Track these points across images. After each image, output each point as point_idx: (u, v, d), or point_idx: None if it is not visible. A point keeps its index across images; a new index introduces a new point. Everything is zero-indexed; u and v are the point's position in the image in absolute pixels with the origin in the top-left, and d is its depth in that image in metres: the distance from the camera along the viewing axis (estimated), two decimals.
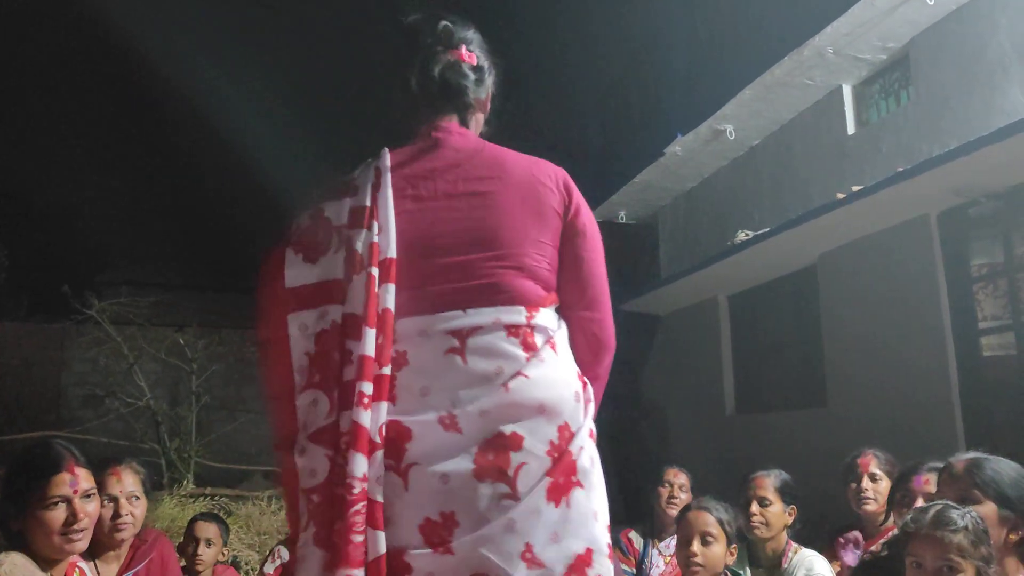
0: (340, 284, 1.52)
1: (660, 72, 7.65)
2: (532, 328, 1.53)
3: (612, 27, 8.43)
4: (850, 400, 5.31)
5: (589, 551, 1.48)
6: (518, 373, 1.49)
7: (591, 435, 1.57)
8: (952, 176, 4.19)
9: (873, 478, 3.43)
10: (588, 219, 1.67)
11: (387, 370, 1.46)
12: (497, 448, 1.45)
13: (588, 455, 1.53)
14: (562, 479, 1.48)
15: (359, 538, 1.37)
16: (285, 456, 1.50)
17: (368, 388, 1.43)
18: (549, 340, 1.55)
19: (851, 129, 5.84)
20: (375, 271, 1.50)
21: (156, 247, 11.54)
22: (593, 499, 1.52)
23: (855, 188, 4.85)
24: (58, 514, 2.12)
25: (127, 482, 2.64)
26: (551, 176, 1.64)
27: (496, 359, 1.49)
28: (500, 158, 1.63)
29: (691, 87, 7.00)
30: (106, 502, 2.53)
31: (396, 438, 1.44)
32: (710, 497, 2.97)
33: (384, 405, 1.44)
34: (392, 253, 1.51)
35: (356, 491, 1.38)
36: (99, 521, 2.38)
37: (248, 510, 6.32)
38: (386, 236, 1.52)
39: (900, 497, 2.82)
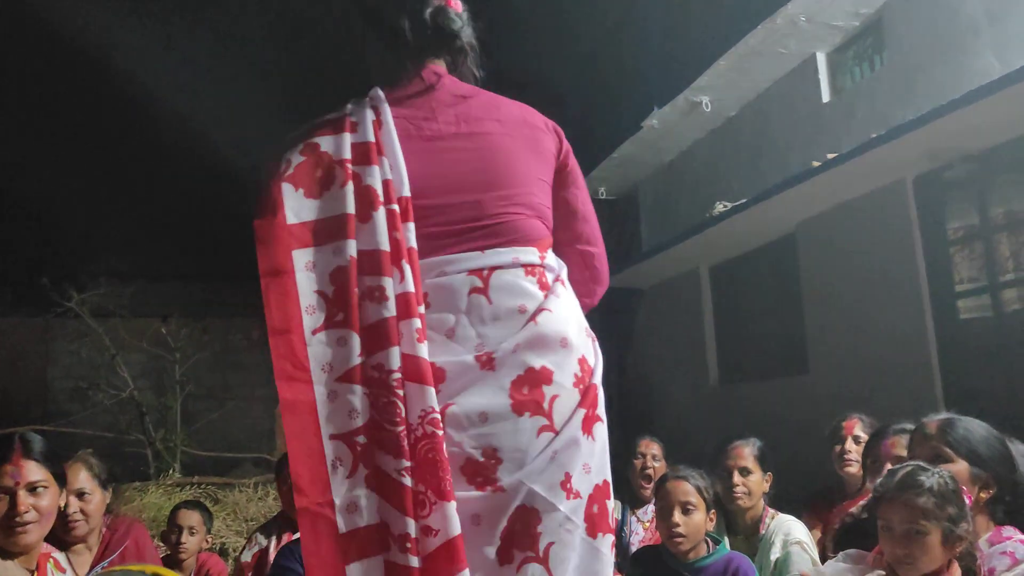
0: (351, 219, 1.46)
1: (635, 45, 7.62)
2: (544, 267, 1.56)
3: (586, 1, 8.37)
4: (831, 366, 5.34)
5: (606, 483, 1.53)
6: (541, 309, 1.51)
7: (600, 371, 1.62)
8: (926, 140, 4.20)
9: (857, 441, 3.48)
10: (575, 162, 1.73)
11: (422, 308, 1.45)
12: (530, 382, 1.47)
13: (601, 389, 1.58)
14: (590, 412, 1.51)
15: (448, 475, 1.36)
16: (297, 400, 1.39)
17: (418, 323, 1.41)
18: (558, 278, 1.58)
19: (826, 97, 5.84)
20: (396, 207, 1.46)
21: (136, 237, 11.42)
22: (605, 432, 1.56)
23: (831, 155, 4.85)
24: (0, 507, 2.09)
25: (75, 479, 2.59)
26: (542, 120, 1.68)
27: (519, 297, 1.51)
28: (495, 101, 1.64)
29: (666, 59, 6.97)
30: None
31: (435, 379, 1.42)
32: (685, 465, 2.98)
33: (426, 345, 1.42)
34: (407, 191, 1.48)
35: (441, 427, 1.38)
36: (57, 515, 2.34)
37: (235, 497, 6.31)
38: (398, 174, 1.49)
39: (871, 462, 2.84)
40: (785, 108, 6.20)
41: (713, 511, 2.88)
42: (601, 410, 1.55)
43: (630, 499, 4.21)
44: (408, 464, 1.35)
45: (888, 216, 4.87)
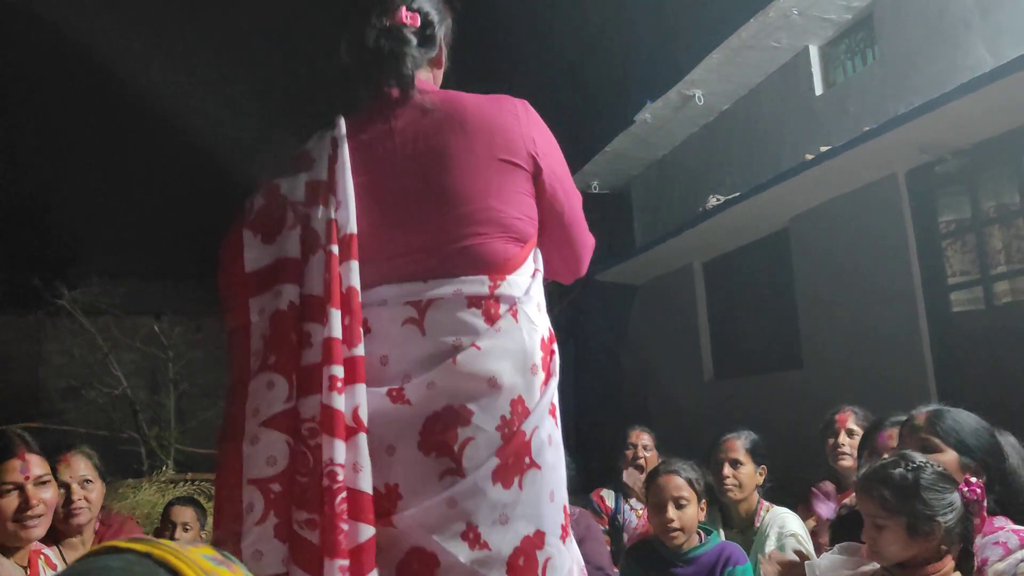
0: (295, 263, 1.46)
1: (628, 40, 7.61)
2: (496, 299, 1.46)
3: None
4: (825, 360, 5.35)
5: (540, 533, 1.43)
6: (471, 345, 1.43)
7: (552, 411, 1.50)
8: (918, 134, 4.21)
9: (850, 434, 3.48)
10: (552, 158, 1.60)
11: (359, 351, 1.40)
12: (445, 422, 1.40)
13: (545, 433, 1.47)
14: (512, 460, 1.42)
15: (346, 527, 1.32)
16: (229, 447, 1.42)
17: (339, 371, 1.37)
18: (512, 308, 1.47)
19: (819, 90, 5.84)
20: (335, 249, 1.43)
21: (129, 235, 11.40)
22: (549, 480, 1.46)
23: (823, 149, 4.85)
24: (10, 501, 2.12)
25: (77, 467, 2.62)
26: (514, 114, 1.57)
27: (454, 331, 1.44)
28: (459, 108, 1.54)
29: (659, 53, 6.97)
30: (58, 489, 2.51)
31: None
32: (675, 459, 3.00)
33: (361, 388, 1.38)
34: (352, 228, 1.45)
35: (340, 479, 1.33)
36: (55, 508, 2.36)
37: None
38: (345, 210, 1.45)
39: (867, 454, 2.85)
40: (778, 102, 6.21)
41: (704, 500, 2.91)
42: (542, 456, 1.45)
43: (621, 491, 4.23)
44: (310, 517, 1.34)
45: (881, 210, 4.88)
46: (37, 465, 2.20)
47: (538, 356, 1.49)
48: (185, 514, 3.42)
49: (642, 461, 4.10)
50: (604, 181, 8.61)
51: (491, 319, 1.45)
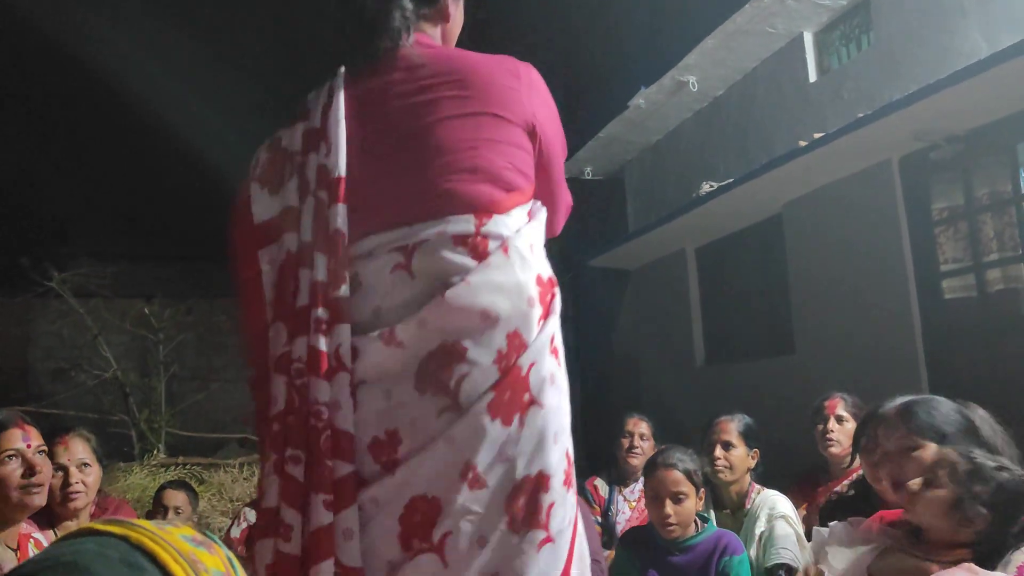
0: (295, 211, 1.48)
1: (621, 25, 7.57)
2: (484, 236, 1.43)
3: None
4: (817, 346, 5.37)
5: (543, 475, 1.39)
6: (461, 280, 1.40)
7: (552, 350, 1.46)
8: (912, 120, 4.20)
9: (840, 420, 3.50)
10: (548, 122, 1.61)
11: (344, 291, 1.41)
12: (439, 359, 1.38)
13: (546, 370, 1.43)
14: (510, 394, 1.38)
15: (331, 463, 1.33)
16: (260, 394, 1.46)
17: (323, 313, 1.39)
18: (502, 244, 1.44)
19: (813, 76, 5.83)
20: (323, 194, 1.45)
21: (119, 217, 11.33)
22: (551, 420, 1.42)
23: (817, 135, 4.85)
24: (14, 467, 2.12)
25: (75, 450, 2.61)
26: (514, 74, 1.56)
27: (442, 270, 1.42)
28: (457, 63, 1.53)
29: (653, 38, 6.94)
30: (56, 472, 2.50)
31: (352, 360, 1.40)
32: (673, 448, 2.98)
33: (344, 328, 1.39)
34: (341, 172, 1.45)
35: (324, 417, 1.35)
36: (51, 491, 2.37)
37: (221, 478, 6.31)
38: (335, 155, 1.46)
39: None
40: (772, 88, 6.19)
41: (703, 490, 2.90)
42: (543, 394, 1.41)
43: (617, 477, 4.23)
44: (295, 453, 1.36)
45: (874, 197, 4.88)
46: (35, 436, 2.22)
47: (534, 290, 1.45)
48: (177, 498, 3.41)
49: (639, 450, 4.10)
50: (597, 166, 8.59)
51: (480, 255, 1.42)
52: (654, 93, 6.84)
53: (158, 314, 9.52)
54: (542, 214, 1.59)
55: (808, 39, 5.86)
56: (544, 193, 1.62)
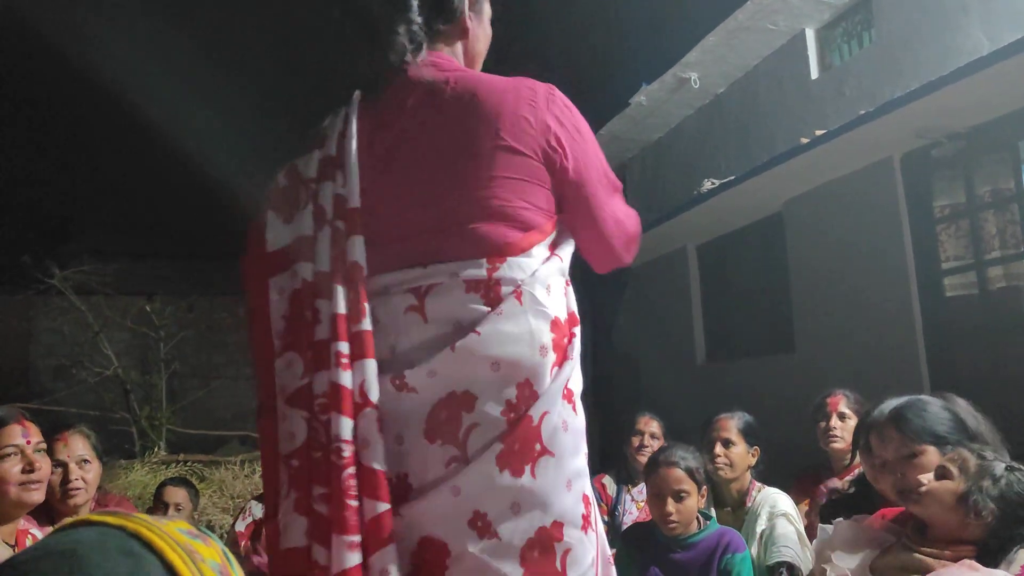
0: (309, 240, 1.44)
1: (623, 22, 7.57)
2: (496, 281, 1.40)
3: None
4: (818, 344, 5.36)
5: (557, 524, 1.37)
6: (472, 330, 1.37)
7: (566, 395, 1.42)
8: (914, 118, 4.19)
9: (842, 417, 3.50)
10: (575, 147, 1.51)
11: (366, 325, 1.38)
12: (449, 409, 1.36)
13: (558, 418, 1.39)
14: (520, 445, 1.35)
15: (355, 503, 1.30)
16: (264, 423, 1.43)
17: (344, 347, 1.36)
18: (516, 291, 1.40)
19: (815, 73, 5.82)
20: (341, 224, 1.42)
21: (121, 215, 11.35)
22: (564, 467, 1.39)
23: (819, 132, 4.84)
24: (13, 464, 2.12)
25: (75, 447, 2.61)
26: (530, 100, 1.47)
27: (454, 316, 1.39)
28: (470, 89, 1.46)
29: (655, 35, 6.93)
30: (55, 468, 2.50)
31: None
32: (675, 446, 2.98)
33: (370, 363, 1.36)
34: (356, 202, 1.42)
35: (346, 455, 1.32)
36: (50, 488, 2.37)
37: (221, 475, 6.31)
38: (351, 185, 1.43)
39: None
40: (773, 85, 6.18)
41: (705, 487, 2.90)
42: (555, 442, 1.38)
43: (626, 476, 4.22)
44: (323, 491, 1.33)
45: (875, 194, 4.88)
46: (35, 433, 2.22)
47: (547, 337, 1.41)
48: (178, 495, 3.41)
49: (649, 449, 4.09)
50: None
51: (492, 302, 1.39)
52: (656, 90, 6.84)
53: (159, 311, 9.53)
54: (568, 247, 1.54)
55: (810, 36, 5.86)
56: (584, 220, 1.55)
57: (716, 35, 5.90)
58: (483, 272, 1.40)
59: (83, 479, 2.59)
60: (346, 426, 1.33)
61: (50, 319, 10.54)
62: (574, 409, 1.45)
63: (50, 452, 2.39)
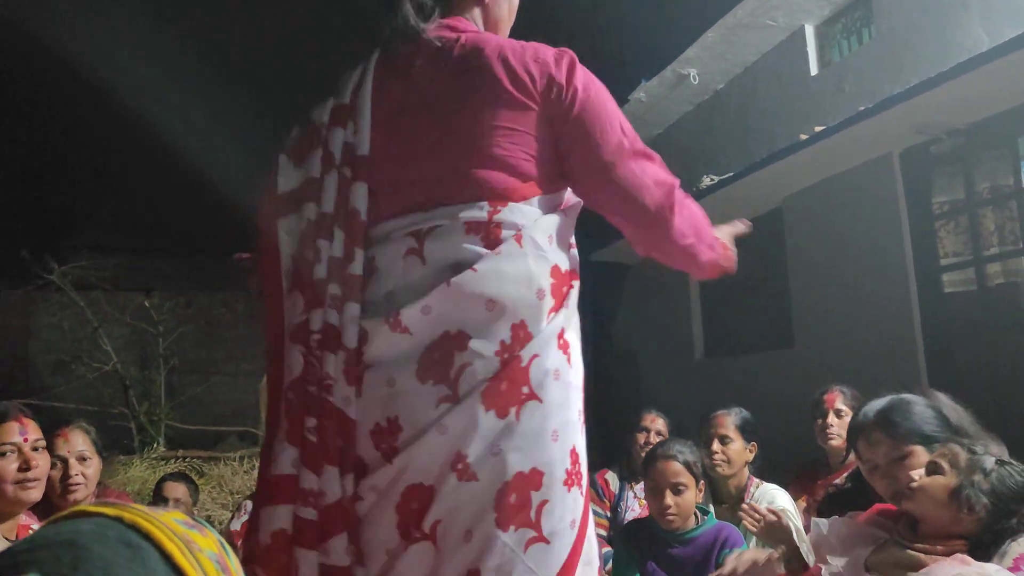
0: (317, 182, 1.48)
1: (622, 18, 7.56)
2: (497, 224, 1.40)
3: None
4: (816, 340, 5.36)
5: (536, 472, 1.34)
6: (469, 268, 1.37)
7: (562, 344, 1.42)
8: (913, 114, 4.19)
9: (839, 414, 3.50)
10: (587, 106, 1.51)
11: (355, 268, 1.41)
12: (442, 348, 1.36)
13: (550, 364, 1.38)
14: (506, 385, 1.34)
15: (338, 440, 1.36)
16: (272, 369, 1.47)
17: (337, 289, 1.40)
18: (516, 234, 1.40)
19: (814, 70, 5.82)
20: (347, 171, 1.46)
21: (120, 211, 11.33)
22: (551, 416, 1.37)
23: (818, 128, 4.84)
24: (9, 462, 2.11)
25: (75, 442, 2.60)
26: (542, 60, 1.49)
27: (452, 256, 1.40)
28: (480, 46, 1.47)
29: (654, 32, 6.93)
30: (55, 464, 2.50)
31: (359, 342, 1.40)
32: (673, 440, 2.98)
33: (354, 306, 1.40)
34: (365, 151, 1.46)
35: (332, 395, 1.37)
36: (50, 483, 2.37)
37: (220, 471, 6.30)
38: (361, 134, 1.47)
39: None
40: (773, 81, 6.18)
41: (702, 482, 2.90)
42: (544, 389, 1.36)
43: (629, 472, 4.22)
44: (315, 423, 1.37)
45: (874, 190, 4.88)
46: (33, 430, 2.22)
47: (546, 281, 1.41)
48: (177, 490, 3.42)
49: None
50: None
51: (491, 244, 1.39)
52: (655, 86, 6.84)
53: (158, 307, 9.52)
54: (574, 210, 1.55)
55: (809, 32, 5.85)
56: (597, 180, 1.51)
57: (715, 31, 5.90)
58: (484, 214, 1.41)
59: (83, 475, 2.59)
60: (334, 364, 1.38)
61: (49, 315, 10.54)
62: (569, 361, 1.45)
63: (50, 448, 2.39)
